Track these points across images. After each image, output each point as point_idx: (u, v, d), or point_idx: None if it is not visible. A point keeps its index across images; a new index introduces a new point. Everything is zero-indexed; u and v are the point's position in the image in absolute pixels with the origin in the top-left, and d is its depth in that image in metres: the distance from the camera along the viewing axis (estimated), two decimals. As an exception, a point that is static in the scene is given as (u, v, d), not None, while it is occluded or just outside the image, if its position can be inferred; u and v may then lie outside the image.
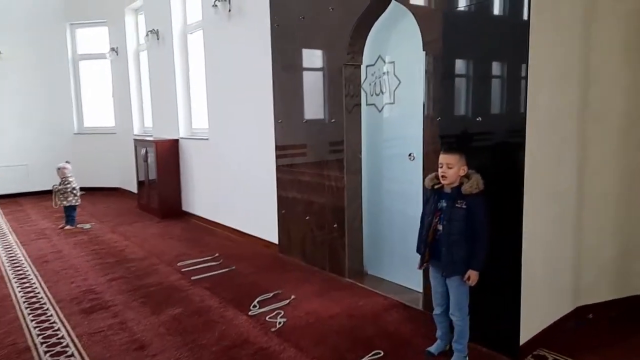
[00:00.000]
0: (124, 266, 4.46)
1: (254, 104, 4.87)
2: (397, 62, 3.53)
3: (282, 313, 3.28)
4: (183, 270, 4.29)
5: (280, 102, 4.41)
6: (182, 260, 4.57)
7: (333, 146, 3.86)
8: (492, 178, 2.47)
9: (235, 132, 5.28)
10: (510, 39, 2.46)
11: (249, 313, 3.31)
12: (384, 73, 3.64)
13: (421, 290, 3.53)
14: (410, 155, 3.50)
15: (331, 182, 3.92)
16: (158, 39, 6.80)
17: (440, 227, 2.48)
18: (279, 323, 3.12)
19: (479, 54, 2.60)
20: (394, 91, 3.58)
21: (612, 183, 3.03)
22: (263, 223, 4.92)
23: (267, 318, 3.22)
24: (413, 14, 3.13)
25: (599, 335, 2.88)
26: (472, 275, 2.43)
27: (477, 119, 2.61)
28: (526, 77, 2.39)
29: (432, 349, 2.68)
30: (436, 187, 2.54)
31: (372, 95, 3.77)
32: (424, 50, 3.04)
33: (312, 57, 3.99)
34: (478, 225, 2.40)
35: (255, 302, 3.47)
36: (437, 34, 2.93)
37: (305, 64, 4.08)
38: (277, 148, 4.52)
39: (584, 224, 2.98)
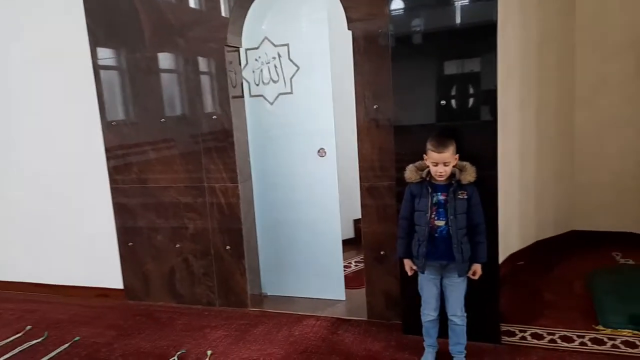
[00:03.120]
0: None
1: (55, 98, 3.45)
2: (292, 45, 3.02)
3: (218, 379, 2.42)
4: (-13, 366, 2.73)
5: (112, 94, 3.24)
6: (-28, 351, 2.91)
7: (217, 150, 3.06)
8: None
9: (13, 143, 3.66)
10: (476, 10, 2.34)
11: (171, 396, 2.31)
12: (273, 58, 3.07)
13: (343, 298, 3.21)
14: (320, 151, 3.07)
15: (218, 196, 3.11)
16: None
17: (440, 224, 2.21)
18: (228, 394, 2.28)
19: (437, 26, 2.41)
20: (291, 79, 3.06)
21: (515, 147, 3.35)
22: (91, 266, 3.59)
23: (203, 394, 2.31)
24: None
25: (522, 294, 3.14)
26: (478, 269, 2.27)
27: (442, 103, 2.43)
28: (496, 53, 2.32)
29: (428, 360, 2.40)
30: (428, 179, 2.25)
31: (257, 85, 3.14)
32: (349, 29, 2.66)
33: (170, 35, 3.04)
34: (478, 214, 2.24)
35: (164, 378, 2.46)
36: (367, 9, 2.61)
37: (156, 44, 3.08)
38: (113, 162, 3.33)
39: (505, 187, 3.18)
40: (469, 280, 2.32)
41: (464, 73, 2.40)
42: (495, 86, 2.35)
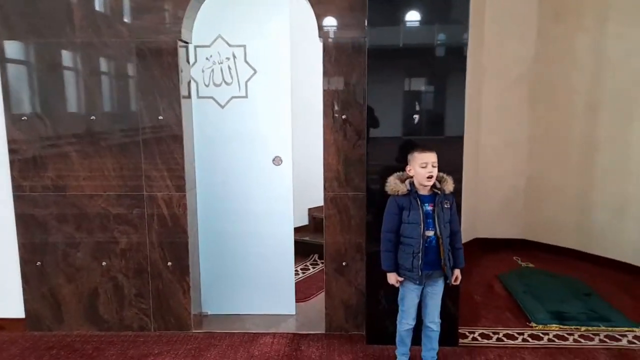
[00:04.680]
0: None
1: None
2: (250, 46, 2.85)
3: (186, 413, 2.12)
4: None
5: (25, 84, 2.70)
6: None
7: (161, 155, 2.72)
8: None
9: None
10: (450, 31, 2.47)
11: None
12: (227, 58, 2.86)
13: (293, 313, 3.10)
14: (275, 159, 2.93)
15: (160, 206, 2.76)
16: None
17: (430, 234, 2.25)
18: None
19: (413, 43, 2.49)
20: (246, 82, 2.88)
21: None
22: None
23: None
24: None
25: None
26: (459, 275, 2.36)
27: (414, 117, 2.51)
28: (465, 73, 2.49)
29: (405, 370, 2.43)
30: (419, 191, 2.28)
31: (207, 86, 2.89)
32: (320, 36, 2.61)
33: (107, 20, 2.64)
34: (455, 222, 2.34)
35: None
36: (341, 18, 2.59)
37: (88, 30, 2.64)
38: (18, 164, 2.76)
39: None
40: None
41: (437, 90, 2.53)
42: (464, 105, 2.50)
